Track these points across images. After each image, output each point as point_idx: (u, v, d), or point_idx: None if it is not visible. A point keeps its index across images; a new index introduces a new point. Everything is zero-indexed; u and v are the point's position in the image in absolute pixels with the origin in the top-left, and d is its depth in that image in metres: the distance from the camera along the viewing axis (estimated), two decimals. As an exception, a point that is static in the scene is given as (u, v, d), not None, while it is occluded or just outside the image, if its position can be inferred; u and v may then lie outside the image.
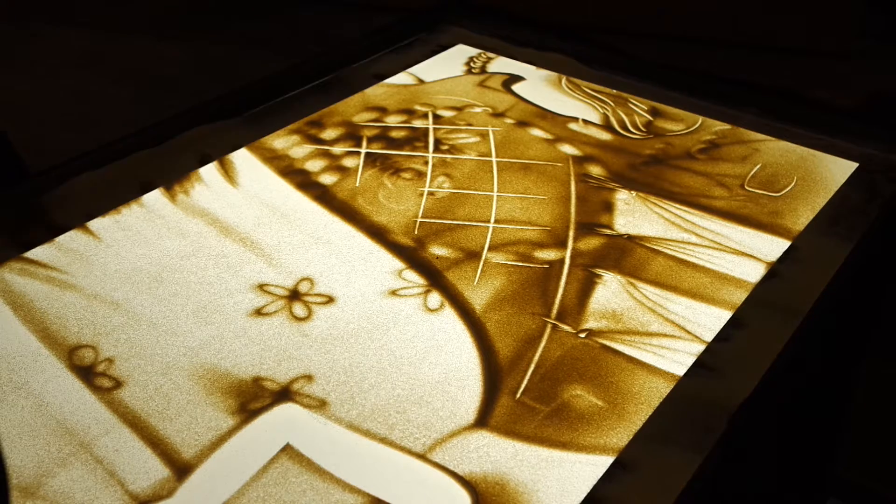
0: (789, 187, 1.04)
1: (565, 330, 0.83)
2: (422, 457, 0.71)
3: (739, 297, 0.88)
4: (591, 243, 0.94)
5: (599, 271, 0.90)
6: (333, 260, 0.91)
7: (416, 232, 0.95)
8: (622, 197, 1.01)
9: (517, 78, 1.24)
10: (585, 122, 1.15)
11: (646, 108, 1.18)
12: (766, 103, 1.06)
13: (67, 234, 0.92)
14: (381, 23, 1.35)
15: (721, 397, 0.76)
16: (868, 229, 0.97)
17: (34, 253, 0.89)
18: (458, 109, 1.16)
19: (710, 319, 0.85)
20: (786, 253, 0.93)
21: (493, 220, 0.97)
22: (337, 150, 1.08)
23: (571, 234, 0.95)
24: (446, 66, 1.27)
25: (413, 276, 0.89)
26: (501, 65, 1.27)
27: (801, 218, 0.99)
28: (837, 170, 1.07)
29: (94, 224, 0.94)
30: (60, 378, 0.76)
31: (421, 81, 1.23)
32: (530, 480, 0.69)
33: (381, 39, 1.31)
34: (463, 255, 0.92)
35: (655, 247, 0.94)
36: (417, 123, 1.13)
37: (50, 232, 0.92)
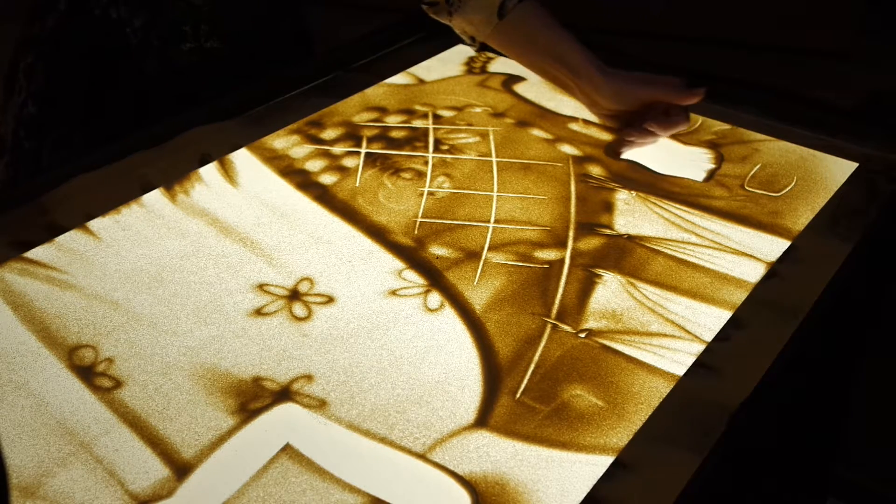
0: (789, 187, 1.04)
1: (565, 330, 0.83)
2: (422, 457, 0.71)
3: (739, 297, 0.87)
4: (591, 243, 0.94)
5: (599, 271, 0.90)
6: (333, 260, 0.91)
7: (416, 232, 0.95)
8: (622, 197, 1.01)
9: (517, 78, 1.24)
10: (585, 122, 1.15)
11: (646, 108, 1.17)
12: (766, 103, 1.06)
13: (67, 234, 0.92)
14: (381, 23, 1.35)
15: (721, 397, 0.76)
16: (868, 229, 0.97)
17: (34, 253, 0.89)
18: (458, 109, 1.16)
19: (710, 319, 0.85)
20: (786, 253, 0.93)
21: (493, 220, 0.97)
22: (337, 150, 1.08)
23: (571, 234, 0.95)
24: (446, 66, 1.27)
25: (413, 276, 0.89)
26: (501, 65, 1.27)
27: (801, 218, 0.99)
28: (837, 170, 1.07)
29: (94, 224, 0.94)
30: (60, 378, 0.76)
31: (421, 81, 1.23)
32: (530, 480, 0.69)
33: (381, 39, 1.31)
34: (463, 255, 0.92)
35: (655, 247, 0.94)
36: (417, 123, 1.13)
37: (50, 232, 0.92)
